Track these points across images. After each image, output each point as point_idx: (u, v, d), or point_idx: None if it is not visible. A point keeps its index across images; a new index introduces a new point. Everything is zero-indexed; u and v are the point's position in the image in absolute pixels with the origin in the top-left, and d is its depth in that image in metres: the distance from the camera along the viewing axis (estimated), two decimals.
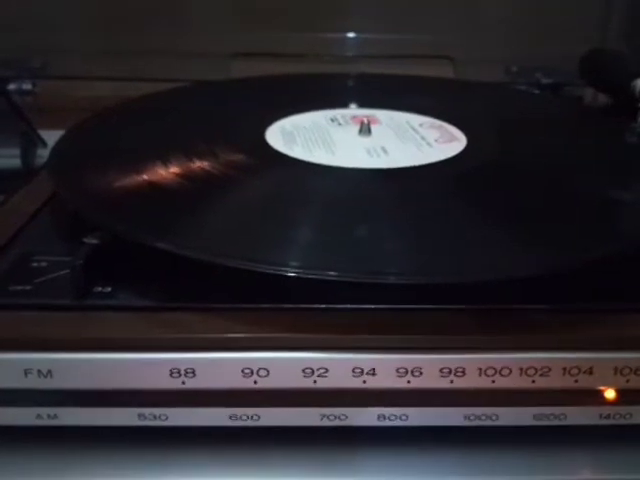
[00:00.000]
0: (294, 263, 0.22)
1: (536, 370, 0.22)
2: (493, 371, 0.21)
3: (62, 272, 0.24)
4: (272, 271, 0.21)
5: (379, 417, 0.22)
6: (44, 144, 0.36)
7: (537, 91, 0.49)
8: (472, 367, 0.21)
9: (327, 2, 0.53)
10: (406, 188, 0.28)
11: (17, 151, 0.34)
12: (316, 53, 0.52)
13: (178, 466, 0.23)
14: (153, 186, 0.28)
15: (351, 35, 0.53)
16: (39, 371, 0.21)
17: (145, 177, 0.29)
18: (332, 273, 0.21)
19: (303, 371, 0.21)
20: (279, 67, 0.49)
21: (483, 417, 0.23)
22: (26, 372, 0.21)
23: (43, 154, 0.36)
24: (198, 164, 0.30)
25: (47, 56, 0.50)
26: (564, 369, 0.22)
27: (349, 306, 0.22)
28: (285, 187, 0.28)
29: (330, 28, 0.53)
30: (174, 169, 0.29)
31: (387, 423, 0.22)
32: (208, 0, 0.53)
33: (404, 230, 0.25)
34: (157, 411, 0.22)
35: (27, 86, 0.48)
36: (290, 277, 0.21)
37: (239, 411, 0.22)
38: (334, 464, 0.23)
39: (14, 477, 0.22)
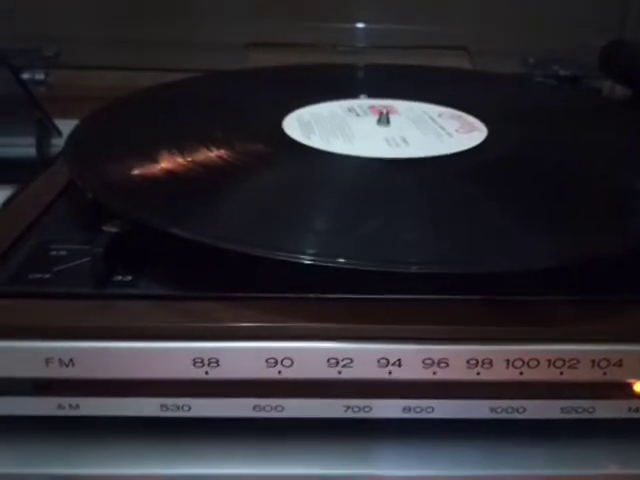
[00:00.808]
0: (316, 251, 0.21)
1: (564, 362, 0.21)
2: (521, 363, 0.21)
3: (81, 260, 0.24)
4: (294, 259, 0.21)
5: (404, 409, 0.22)
6: (59, 133, 0.35)
7: (555, 83, 0.49)
8: (499, 359, 0.21)
9: None
10: (429, 178, 0.28)
11: (32, 140, 0.33)
12: (331, 43, 0.51)
13: (200, 457, 0.22)
14: (170, 174, 0.28)
15: (367, 26, 0.53)
16: (60, 360, 0.21)
17: (162, 165, 0.28)
18: (356, 262, 0.21)
19: (328, 361, 0.21)
20: (294, 57, 0.49)
21: (510, 410, 0.22)
22: (47, 361, 0.21)
23: (58, 143, 0.36)
24: (216, 153, 0.30)
25: (60, 45, 0.50)
26: (593, 361, 0.21)
27: (375, 296, 0.22)
28: (306, 176, 0.28)
29: (346, 18, 0.52)
30: (191, 157, 0.29)
31: (412, 415, 0.22)
32: None
33: (429, 220, 0.24)
34: (180, 401, 0.22)
35: (40, 75, 0.48)
36: (312, 265, 0.21)
37: (263, 402, 0.22)
38: (355, 455, 0.23)
39: (35, 467, 0.22)
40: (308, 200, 0.26)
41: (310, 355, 0.21)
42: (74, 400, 0.22)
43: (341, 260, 0.21)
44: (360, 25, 0.53)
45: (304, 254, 0.21)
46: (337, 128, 0.34)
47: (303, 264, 0.21)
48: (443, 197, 0.26)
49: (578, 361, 0.21)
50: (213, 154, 0.29)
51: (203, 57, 0.50)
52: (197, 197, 0.26)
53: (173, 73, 0.44)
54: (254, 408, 0.22)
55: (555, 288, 0.22)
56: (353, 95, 0.39)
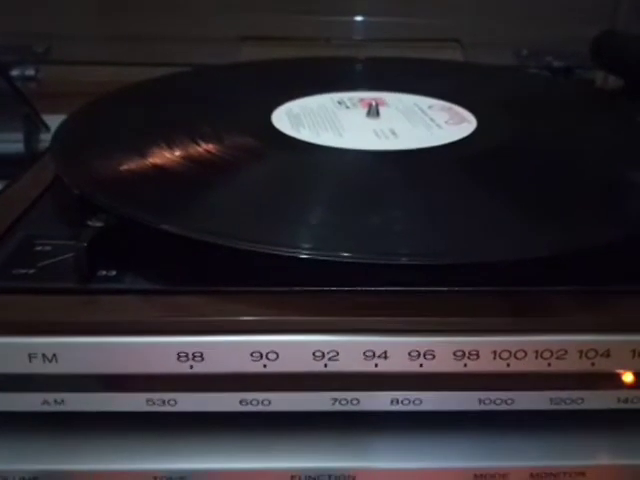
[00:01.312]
0: (304, 245, 0.21)
1: (552, 353, 0.21)
2: (508, 354, 0.21)
3: (66, 256, 0.24)
4: (281, 253, 0.21)
5: (392, 401, 0.22)
6: (47, 129, 0.35)
7: (548, 74, 0.48)
8: (486, 350, 0.21)
9: None
10: (417, 169, 0.28)
11: (20, 136, 0.33)
12: (324, 37, 0.51)
13: (188, 452, 0.22)
14: (158, 169, 0.28)
15: (360, 18, 0.52)
16: (44, 355, 0.20)
17: (149, 160, 0.28)
18: (342, 254, 0.21)
19: (313, 354, 0.21)
20: (287, 51, 0.49)
21: (498, 401, 0.22)
22: (30, 357, 0.20)
23: (46, 139, 0.36)
24: (204, 147, 0.29)
25: (50, 41, 0.50)
26: (580, 352, 0.21)
27: (360, 288, 0.21)
28: (294, 169, 0.28)
29: (339, 11, 0.52)
30: (179, 152, 0.29)
31: (400, 407, 0.22)
32: None
33: (416, 211, 0.24)
34: (166, 396, 0.21)
35: (30, 71, 0.47)
36: (299, 259, 0.21)
37: (249, 396, 0.22)
38: (345, 449, 0.23)
39: (21, 464, 0.22)
40: (296, 193, 0.25)
41: (295, 348, 0.21)
42: (59, 395, 0.21)
43: (327, 253, 0.21)
44: (353, 18, 0.53)
45: (289, 247, 0.21)
46: (326, 121, 0.34)
47: (288, 257, 0.21)
48: (431, 188, 0.26)
49: (566, 352, 0.21)
50: (201, 148, 0.29)
51: (196, 51, 0.50)
52: (183, 191, 0.26)
53: (165, 68, 0.44)
54: (240, 402, 0.22)
55: (542, 279, 0.22)
56: (343, 88, 0.39)
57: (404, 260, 0.21)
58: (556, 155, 0.30)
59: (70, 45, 0.51)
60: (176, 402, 0.22)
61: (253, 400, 0.22)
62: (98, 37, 0.51)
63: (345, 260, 0.21)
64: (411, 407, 0.22)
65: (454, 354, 0.21)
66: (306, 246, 0.21)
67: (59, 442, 0.23)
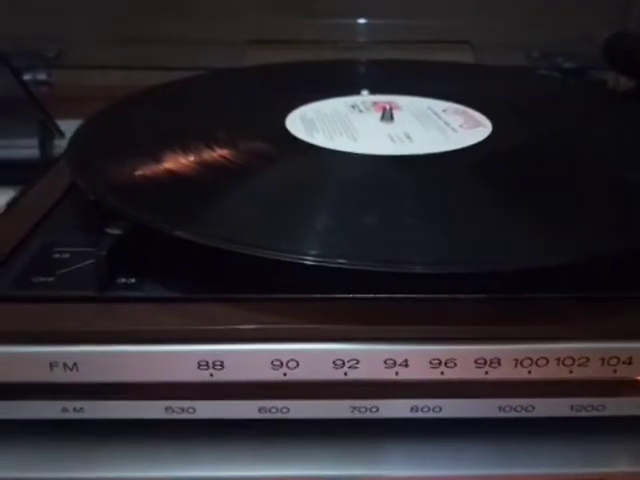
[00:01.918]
0: (321, 252, 0.21)
1: (574, 360, 0.21)
2: (529, 362, 0.21)
3: (84, 263, 0.24)
4: (298, 260, 0.21)
5: (412, 409, 0.22)
6: (61, 134, 0.35)
7: (559, 75, 0.48)
8: (508, 358, 0.21)
9: None
10: (434, 175, 0.28)
11: (35, 141, 0.33)
12: (334, 40, 0.51)
13: (206, 459, 0.22)
14: (174, 175, 0.28)
15: (369, 21, 0.52)
16: (65, 364, 0.20)
17: (165, 166, 0.28)
18: (361, 263, 0.21)
19: (333, 363, 0.21)
20: (296, 54, 0.49)
21: (518, 408, 0.22)
22: (52, 365, 0.20)
23: (60, 144, 0.36)
24: (219, 152, 0.29)
25: (62, 46, 0.50)
26: (602, 359, 0.21)
27: (381, 296, 0.21)
28: (310, 175, 0.28)
29: (347, 14, 0.52)
30: (195, 158, 0.29)
31: (420, 415, 0.22)
32: None
33: (439, 218, 0.24)
34: (185, 404, 0.21)
35: (42, 76, 0.47)
36: (317, 266, 0.21)
37: (268, 403, 0.22)
38: (362, 456, 0.23)
39: (40, 471, 0.22)
40: (313, 200, 0.25)
41: (316, 357, 0.21)
42: (78, 403, 0.21)
43: (345, 261, 0.21)
44: (362, 21, 0.52)
45: (309, 255, 0.21)
46: (340, 125, 0.33)
47: (308, 265, 0.21)
48: (449, 195, 0.26)
49: (588, 359, 0.21)
50: (217, 154, 0.29)
51: (205, 55, 0.50)
52: (200, 198, 0.26)
53: (175, 71, 0.44)
54: (259, 410, 0.22)
55: (563, 286, 0.22)
56: (356, 91, 0.39)
57: (419, 269, 0.21)
58: (573, 160, 0.30)
59: (81, 49, 0.51)
60: (195, 410, 0.22)
61: (272, 408, 0.22)
62: (108, 41, 0.51)
63: (366, 269, 0.21)
64: (431, 414, 0.22)
65: (475, 362, 0.21)
66: (326, 254, 0.21)
67: (77, 449, 0.23)
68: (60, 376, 0.21)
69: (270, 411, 0.22)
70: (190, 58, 0.50)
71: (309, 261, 0.21)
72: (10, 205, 0.31)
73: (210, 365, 0.21)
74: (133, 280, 0.23)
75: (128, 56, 0.51)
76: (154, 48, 0.51)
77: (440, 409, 0.22)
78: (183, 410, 0.22)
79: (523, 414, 0.22)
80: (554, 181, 0.27)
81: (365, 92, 0.39)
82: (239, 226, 0.24)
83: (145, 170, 0.28)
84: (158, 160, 0.29)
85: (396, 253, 0.22)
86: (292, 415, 0.22)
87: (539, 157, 0.30)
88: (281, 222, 0.24)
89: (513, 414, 0.22)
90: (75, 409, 0.21)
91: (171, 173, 0.28)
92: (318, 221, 0.24)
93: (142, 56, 0.51)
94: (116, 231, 0.23)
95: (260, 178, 0.28)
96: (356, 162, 0.29)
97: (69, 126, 0.39)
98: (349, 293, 0.22)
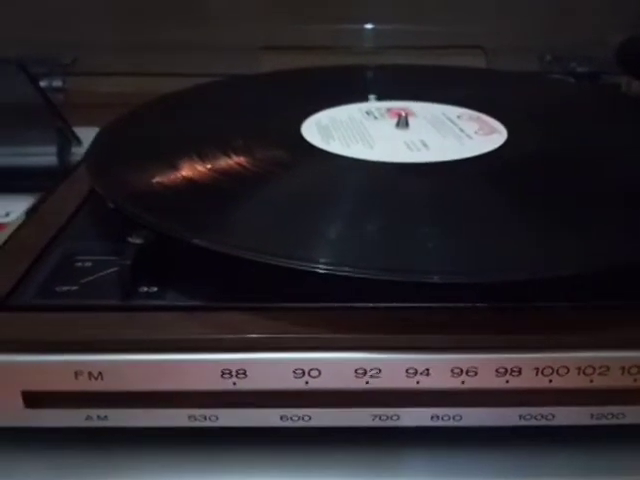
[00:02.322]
0: (345, 262, 0.21)
1: (594, 369, 0.21)
2: (550, 370, 0.21)
3: (106, 272, 0.24)
4: (318, 270, 0.21)
5: (432, 417, 0.22)
6: (79, 142, 0.36)
7: (572, 80, 0.48)
8: (529, 367, 0.21)
9: None
10: (453, 183, 0.28)
11: (53, 149, 0.34)
12: (346, 45, 0.51)
13: (226, 467, 0.23)
14: (192, 183, 0.28)
15: (381, 27, 0.52)
16: (90, 373, 0.21)
17: (184, 174, 0.28)
18: (384, 272, 0.21)
19: (355, 372, 0.21)
20: (308, 60, 0.49)
21: (539, 417, 0.22)
22: (77, 374, 0.21)
23: (77, 151, 0.36)
24: (237, 160, 0.30)
25: (77, 52, 0.50)
26: (623, 368, 0.21)
27: (402, 305, 0.22)
28: (329, 183, 0.28)
29: (359, 20, 0.52)
30: (213, 165, 0.29)
31: (440, 423, 0.22)
32: None
33: (458, 227, 0.24)
34: (207, 412, 0.22)
35: (57, 83, 0.48)
36: (338, 276, 0.21)
37: (290, 412, 0.22)
38: (382, 464, 0.23)
39: (63, 478, 0.22)
40: (333, 208, 0.25)
41: (338, 366, 0.21)
42: (102, 412, 0.22)
43: (365, 270, 0.21)
44: (374, 26, 0.53)
45: (330, 265, 0.21)
46: (356, 132, 0.34)
47: (329, 275, 0.21)
48: (468, 203, 0.26)
49: (608, 368, 0.21)
50: (234, 162, 0.29)
51: (217, 61, 0.50)
52: (221, 206, 0.26)
53: (188, 78, 0.44)
54: (281, 418, 0.22)
55: (584, 295, 0.22)
56: (369, 97, 0.39)
57: (436, 279, 0.21)
58: (591, 167, 0.30)
59: (95, 56, 0.51)
60: (217, 418, 0.22)
61: (294, 416, 0.22)
62: (122, 48, 0.52)
63: (387, 278, 0.21)
64: (451, 423, 0.22)
65: (496, 371, 0.21)
66: (348, 263, 0.21)
67: (99, 457, 0.23)
68: (85, 385, 0.21)
69: (292, 419, 0.22)
70: (203, 64, 0.50)
71: (332, 271, 0.21)
72: (29, 213, 0.32)
73: (233, 374, 0.21)
74: (155, 289, 0.23)
75: (142, 63, 0.51)
76: (167, 55, 0.51)
77: (461, 417, 0.22)
78: (206, 418, 0.22)
79: (543, 422, 0.22)
80: (573, 189, 0.27)
81: (372, 97, 0.39)
82: (259, 234, 0.24)
83: (164, 178, 0.28)
84: (176, 168, 0.29)
85: (415, 263, 0.22)
86: (313, 423, 0.22)
87: (556, 164, 0.30)
88: (302, 231, 0.24)
89: (533, 422, 0.22)
90: (99, 417, 0.22)
91: (189, 181, 0.28)
92: (339, 230, 0.24)
93: (155, 63, 0.51)
94: (138, 240, 0.24)
95: (279, 186, 0.28)
96: (374, 170, 0.29)
97: (84, 133, 0.39)
98: (371, 302, 0.22)
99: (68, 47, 0.51)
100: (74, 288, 0.23)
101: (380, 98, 0.39)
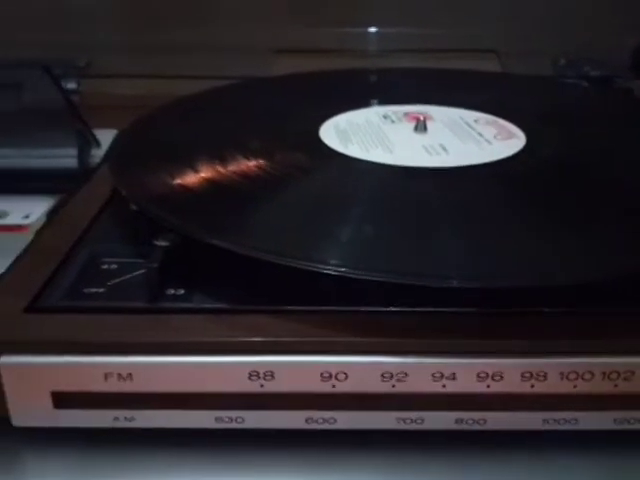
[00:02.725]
0: (374, 267, 0.21)
1: (619, 374, 0.21)
2: (575, 375, 0.21)
3: (133, 274, 0.24)
4: (353, 276, 0.21)
5: (457, 421, 0.22)
6: (98, 144, 0.36)
7: (586, 84, 0.48)
8: (554, 371, 0.21)
9: None
10: (475, 187, 0.28)
11: (74, 151, 0.34)
12: (359, 48, 0.51)
13: (250, 468, 0.23)
14: (214, 185, 0.28)
15: (395, 29, 0.53)
16: (119, 374, 0.21)
17: (205, 176, 0.29)
18: (412, 277, 0.21)
19: (382, 375, 0.21)
20: (321, 63, 0.49)
21: (562, 421, 0.22)
22: (106, 376, 0.21)
23: (97, 154, 0.36)
24: (259, 164, 0.30)
25: (91, 55, 0.51)
26: None
27: (429, 309, 0.22)
28: (352, 188, 0.28)
29: (374, 23, 0.52)
30: (234, 168, 0.29)
31: (465, 427, 0.22)
32: None
33: (481, 231, 0.24)
34: (234, 414, 0.22)
35: (72, 85, 0.48)
36: (369, 281, 0.21)
37: (316, 414, 0.22)
38: (403, 466, 0.23)
39: (90, 477, 0.22)
40: (358, 213, 0.26)
41: (365, 370, 0.21)
42: (130, 413, 0.22)
43: (394, 276, 0.21)
44: (388, 29, 0.53)
45: (360, 269, 0.21)
46: (374, 136, 0.34)
47: (357, 279, 0.21)
48: (490, 207, 0.26)
49: (633, 373, 0.21)
50: (256, 165, 0.30)
51: (228, 63, 0.51)
52: (243, 209, 0.26)
53: (203, 80, 0.45)
54: (306, 420, 0.22)
55: (608, 300, 0.22)
56: (385, 100, 0.39)
57: (455, 283, 0.21)
58: (611, 172, 0.30)
59: (109, 58, 0.51)
60: (244, 420, 0.22)
61: (319, 418, 0.22)
62: (136, 50, 0.52)
63: (413, 283, 0.21)
64: (475, 427, 0.22)
65: (522, 375, 0.21)
66: (377, 268, 0.21)
67: (124, 457, 0.23)
68: (114, 386, 0.21)
69: (317, 421, 0.22)
70: (214, 67, 0.51)
71: (361, 276, 0.21)
72: (51, 215, 0.32)
73: (261, 376, 0.21)
74: (182, 291, 0.23)
75: (155, 65, 0.51)
76: (180, 57, 0.52)
77: (485, 421, 0.22)
78: (232, 420, 0.22)
79: (567, 427, 0.22)
80: (592, 195, 0.28)
81: (374, 102, 0.39)
82: (281, 237, 0.24)
83: (185, 180, 0.28)
84: (197, 170, 0.29)
85: (441, 267, 0.22)
86: (339, 426, 0.22)
87: (576, 170, 0.30)
88: (327, 235, 0.24)
89: (557, 426, 0.22)
90: (126, 418, 0.22)
91: (211, 183, 0.28)
92: (371, 235, 0.24)
93: (169, 65, 0.51)
94: (164, 243, 0.24)
95: (302, 190, 0.28)
96: (395, 174, 0.29)
97: (101, 135, 0.39)
98: (393, 306, 0.22)
99: (83, 49, 0.51)
100: (101, 290, 0.23)
101: (398, 102, 0.39)
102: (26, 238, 0.30)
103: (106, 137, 0.39)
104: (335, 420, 0.22)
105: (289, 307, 0.22)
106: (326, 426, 0.22)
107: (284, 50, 0.53)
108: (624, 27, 0.50)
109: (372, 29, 0.53)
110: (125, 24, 0.53)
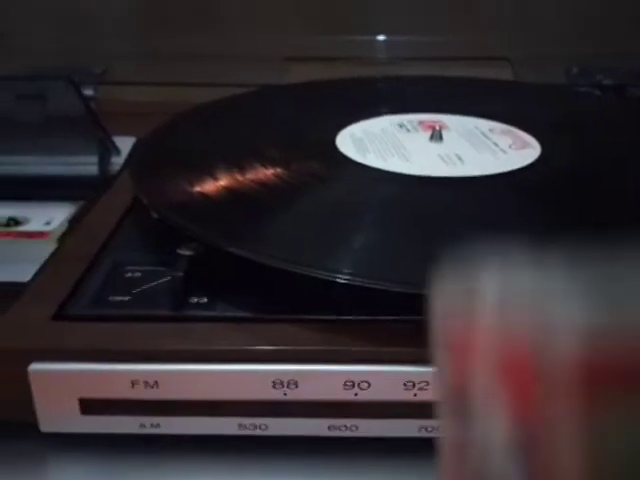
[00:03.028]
0: (397, 278, 0.22)
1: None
2: None
3: (157, 282, 0.25)
4: (377, 286, 0.22)
5: None
6: (118, 152, 0.36)
7: (599, 92, 0.49)
8: None
9: (381, 4, 0.53)
10: (492, 197, 0.28)
11: (95, 159, 0.34)
12: (371, 56, 0.52)
13: (272, 474, 0.23)
14: (235, 194, 0.28)
15: (406, 37, 0.53)
16: (146, 382, 0.21)
17: (226, 185, 0.29)
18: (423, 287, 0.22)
19: (404, 384, 0.21)
20: (335, 71, 0.49)
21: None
22: (133, 383, 0.21)
23: (116, 161, 0.37)
24: (277, 172, 0.30)
25: (107, 62, 0.51)
26: None
27: None
28: (372, 197, 0.28)
29: (385, 30, 0.53)
30: (252, 176, 0.30)
31: None
32: (262, 4, 0.53)
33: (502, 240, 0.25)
34: (258, 421, 0.22)
35: (89, 92, 0.49)
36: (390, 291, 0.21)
37: (338, 422, 0.22)
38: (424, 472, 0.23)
39: None
40: (380, 224, 0.26)
41: (387, 378, 0.21)
42: (156, 419, 0.22)
43: (410, 285, 0.21)
44: (400, 37, 0.53)
45: (384, 280, 0.22)
46: (391, 145, 0.34)
47: (381, 290, 0.21)
48: (508, 217, 0.27)
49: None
50: (275, 174, 0.30)
51: (242, 71, 0.51)
52: (266, 218, 0.26)
53: (215, 88, 0.45)
54: (329, 428, 0.22)
55: None
56: (400, 109, 0.40)
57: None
58: (622, 182, 0.30)
59: (125, 66, 0.52)
60: (267, 427, 0.22)
61: (341, 426, 0.22)
62: (152, 57, 0.53)
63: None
64: None
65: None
66: (400, 280, 0.22)
67: (148, 463, 0.24)
68: (141, 393, 0.21)
69: (339, 429, 0.22)
70: (227, 75, 0.51)
71: (386, 287, 0.21)
72: (72, 221, 0.33)
73: (285, 384, 0.21)
74: (205, 299, 0.24)
75: (171, 73, 0.52)
76: (195, 65, 0.52)
77: None
78: (256, 427, 0.22)
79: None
80: (607, 204, 0.28)
81: (384, 111, 0.40)
82: (304, 246, 0.24)
83: (205, 188, 0.29)
84: (216, 178, 0.30)
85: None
86: (360, 433, 0.22)
87: (592, 179, 0.30)
88: (350, 245, 0.24)
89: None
90: (152, 425, 0.22)
91: (230, 192, 0.29)
92: (395, 247, 0.24)
93: (184, 73, 0.52)
94: (188, 252, 0.24)
95: (324, 201, 0.28)
96: (412, 183, 0.30)
97: (118, 143, 0.40)
98: (414, 315, 0.22)
99: (99, 56, 0.52)
100: (127, 298, 0.24)
101: (408, 110, 0.40)
102: (47, 244, 0.31)
103: (125, 145, 0.40)
104: (357, 427, 0.22)
105: (311, 316, 0.22)
106: (348, 433, 0.23)
107: (296, 58, 0.53)
108: (637, 35, 0.50)
109: (384, 37, 0.54)
110: (141, 31, 0.54)
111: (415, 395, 0.21)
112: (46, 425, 0.22)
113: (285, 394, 0.22)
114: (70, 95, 0.32)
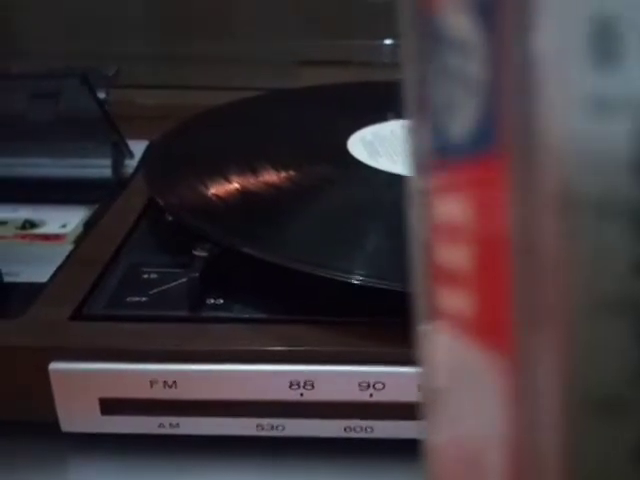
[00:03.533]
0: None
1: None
2: None
3: (173, 283, 0.25)
4: (391, 288, 0.22)
5: None
6: (131, 155, 0.37)
7: None
8: None
9: (392, 9, 0.53)
10: None
11: (109, 162, 0.35)
12: (383, 60, 0.52)
13: (290, 473, 0.23)
14: (249, 196, 0.29)
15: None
16: (165, 382, 0.22)
17: (240, 188, 0.29)
18: None
19: (418, 385, 0.21)
20: (345, 75, 0.50)
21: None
22: (152, 383, 0.22)
23: (130, 164, 0.37)
24: (290, 175, 0.30)
25: (119, 65, 0.52)
26: None
27: None
28: (386, 201, 0.29)
29: (396, 35, 0.53)
30: (267, 179, 0.30)
31: None
32: (275, 8, 0.54)
33: None
34: (275, 422, 0.22)
35: (102, 94, 0.49)
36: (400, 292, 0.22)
37: (354, 423, 0.22)
38: None
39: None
40: (398, 226, 0.26)
41: (402, 379, 0.22)
42: (175, 419, 0.22)
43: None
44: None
45: (397, 281, 0.22)
46: (401, 149, 0.34)
47: (395, 291, 0.22)
48: None
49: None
50: (288, 176, 0.30)
51: (254, 75, 0.51)
52: (281, 221, 0.27)
53: (226, 91, 0.45)
54: (345, 429, 0.23)
55: None
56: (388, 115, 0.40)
57: None
58: None
59: (136, 68, 0.52)
60: (284, 428, 0.23)
61: (357, 427, 0.23)
62: (163, 60, 0.53)
63: None
64: None
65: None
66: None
67: (163, 463, 0.24)
68: (160, 393, 0.22)
69: (355, 430, 0.23)
70: (239, 78, 0.51)
71: (398, 288, 0.22)
72: (87, 224, 0.33)
73: (301, 385, 0.22)
74: (221, 301, 0.24)
75: (183, 76, 0.52)
76: (207, 68, 0.53)
77: None
78: (273, 427, 0.23)
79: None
80: None
81: (391, 115, 0.40)
82: (325, 250, 0.25)
83: (220, 191, 0.29)
84: (230, 181, 0.30)
85: None
86: (376, 434, 0.23)
87: None
88: (364, 247, 0.25)
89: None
90: (171, 425, 0.23)
91: (244, 194, 0.29)
92: (403, 246, 0.24)
93: (196, 76, 0.52)
94: (203, 253, 0.24)
95: (335, 203, 0.29)
96: None
97: (134, 146, 0.40)
98: None
99: (111, 59, 0.52)
100: (144, 299, 0.24)
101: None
102: (64, 247, 0.31)
103: (137, 148, 0.40)
104: (372, 429, 0.23)
105: (327, 317, 0.23)
106: (363, 435, 0.23)
107: (307, 62, 0.54)
108: None
109: (391, 41, 0.54)
110: (154, 34, 0.54)
111: None
112: (67, 425, 0.22)
113: (302, 394, 0.22)
114: (83, 95, 0.32)
